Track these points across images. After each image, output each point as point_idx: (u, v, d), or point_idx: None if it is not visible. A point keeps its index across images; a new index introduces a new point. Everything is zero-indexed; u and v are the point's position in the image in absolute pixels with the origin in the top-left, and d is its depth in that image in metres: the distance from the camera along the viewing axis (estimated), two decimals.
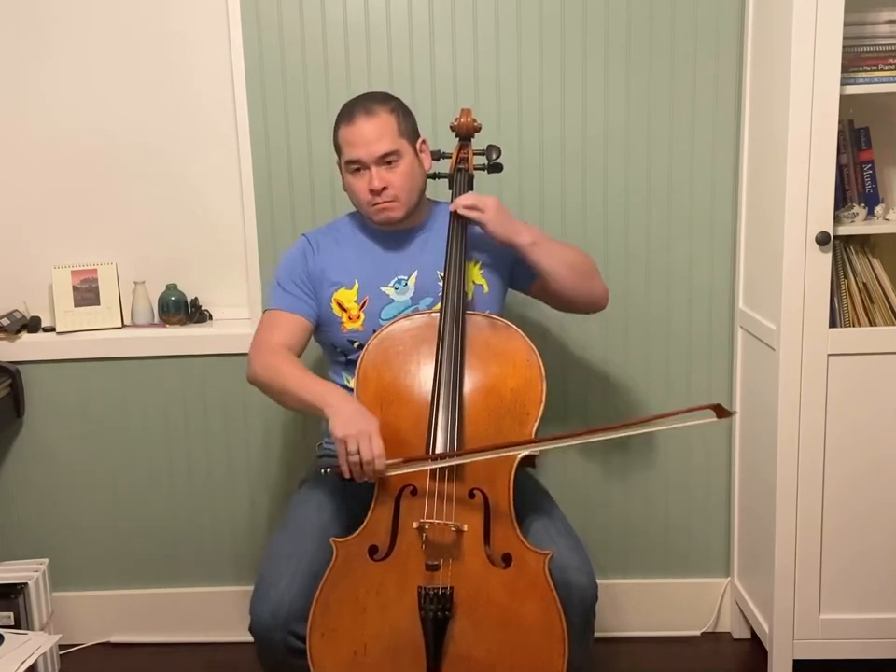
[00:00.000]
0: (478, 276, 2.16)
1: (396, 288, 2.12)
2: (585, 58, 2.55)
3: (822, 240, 2.22)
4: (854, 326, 2.32)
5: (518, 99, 2.58)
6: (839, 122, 2.20)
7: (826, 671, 2.42)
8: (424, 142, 2.14)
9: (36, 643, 2.36)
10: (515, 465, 1.89)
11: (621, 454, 2.74)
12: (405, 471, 1.85)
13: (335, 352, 2.17)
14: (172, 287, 2.70)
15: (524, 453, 1.89)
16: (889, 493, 2.36)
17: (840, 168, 2.32)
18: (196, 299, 2.73)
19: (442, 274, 2.05)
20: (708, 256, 2.65)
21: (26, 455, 2.76)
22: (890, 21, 2.25)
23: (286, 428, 2.74)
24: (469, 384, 1.94)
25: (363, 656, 1.84)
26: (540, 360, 1.96)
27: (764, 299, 2.43)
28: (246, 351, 2.11)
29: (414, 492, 1.87)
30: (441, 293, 2.05)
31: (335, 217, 2.33)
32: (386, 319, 2.09)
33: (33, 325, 2.72)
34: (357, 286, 2.12)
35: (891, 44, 2.24)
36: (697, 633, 2.79)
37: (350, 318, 2.11)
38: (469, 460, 1.86)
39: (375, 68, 2.56)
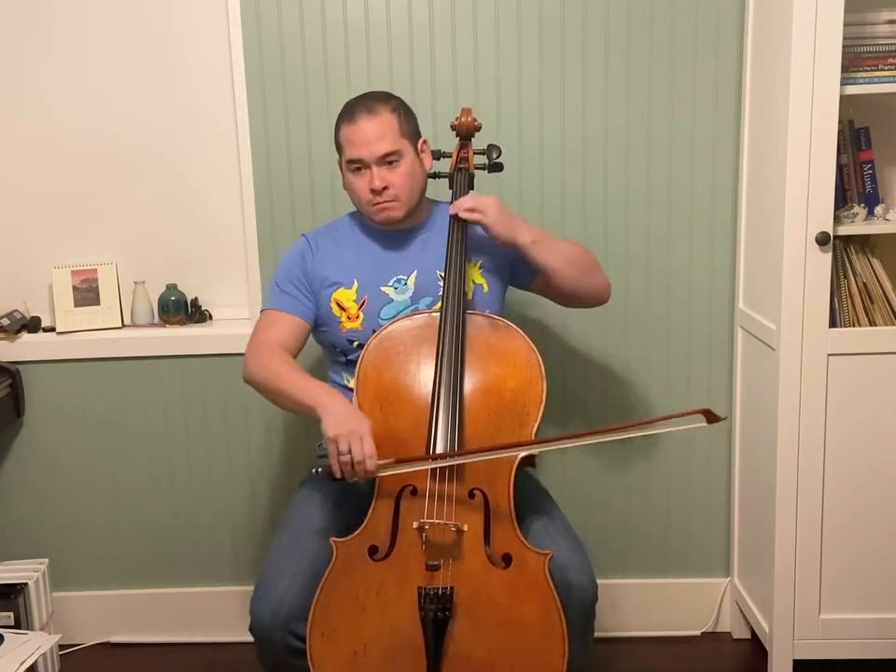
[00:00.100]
0: (478, 276, 2.16)
1: (395, 288, 2.12)
2: (585, 58, 2.55)
3: (822, 240, 2.22)
4: (854, 326, 2.32)
5: (518, 99, 2.58)
6: (839, 122, 2.20)
7: (826, 671, 2.42)
8: (425, 142, 2.14)
9: (36, 643, 2.36)
10: (515, 465, 1.89)
11: (621, 454, 2.74)
12: (396, 472, 1.85)
13: (335, 352, 2.17)
14: (172, 287, 2.70)
15: (522, 454, 1.89)
16: (889, 493, 2.36)
17: (840, 168, 2.32)
18: (196, 299, 2.73)
19: (442, 274, 2.05)
20: (708, 256, 2.65)
21: (26, 454, 2.76)
22: (890, 21, 2.25)
23: (286, 428, 2.74)
24: (469, 383, 1.94)
25: (363, 656, 1.84)
26: (541, 360, 1.96)
27: (764, 299, 2.43)
28: None
29: (414, 492, 1.87)
30: (440, 293, 2.05)
31: (335, 216, 2.33)
32: (386, 319, 2.09)
33: (33, 325, 2.72)
34: (356, 285, 2.12)
35: (891, 44, 2.24)
36: (697, 633, 2.79)
37: (349, 318, 2.11)
38: (462, 461, 1.86)
39: (375, 68, 2.56)
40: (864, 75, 2.24)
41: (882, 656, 2.41)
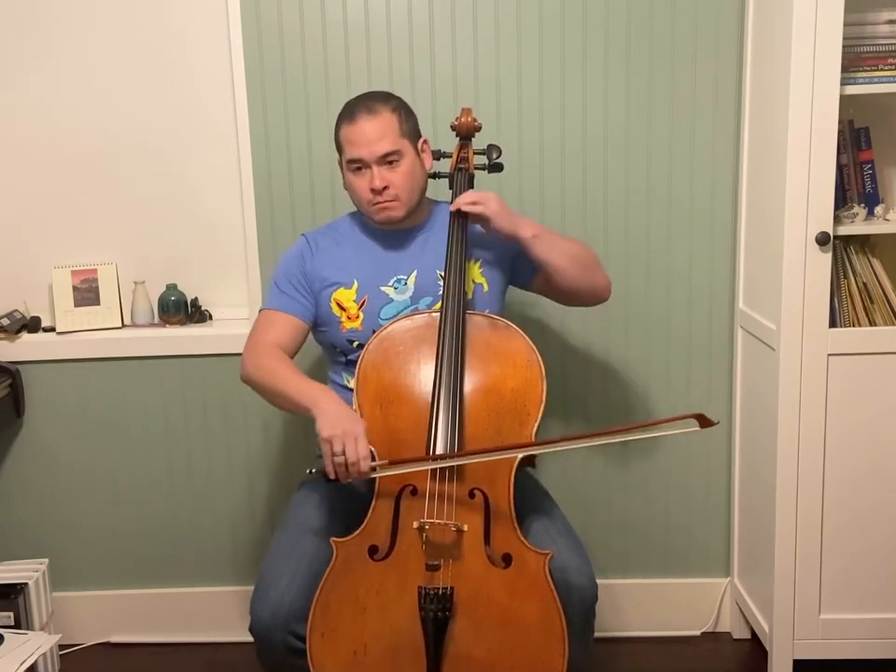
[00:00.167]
0: (478, 275, 2.16)
1: (395, 288, 2.12)
2: (585, 58, 2.55)
3: (822, 240, 2.22)
4: (854, 326, 2.32)
5: (518, 99, 2.58)
6: (839, 122, 2.20)
7: (826, 671, 2.42)
8: (425, 142, 2.14)
9: (36, 643, 2.36)
10: (515, 465, 1.89)
11: (621, 454, 2.74)
12: (389, 473, 1.86)
13: (335, 352, 2.17)
14: (172, 287, 2.70)
15: (520, 455, 1.88)
16: (889, 493, 2.36)
17: (840, 168, 2.32)
18: (196, 299, 2.73)
19: (442, 274, 2.05)
20: (708, 256, 2.65)
21: (26, 454, 2.76)
22: (890, 21, 2.25)
23: (286, 429, 2.74)
24: (469, 383, 1.94)
25: (363, 656, 1.84)
26: (541, 360, 1.96)
27: (764, 299, 2.43)
28: None
29: (415, 492, 1.87)
30: (440, 293, 2.05)
31: (335, 216, 2.33)
32: (386, 319, 2.09)
33: (33, 325, 2.72)
34: (356, 285, 2.12)
35: (891, 44, 2.24)
36: (697, 633, 2.79)
37: (349, 318, 2.11)
38: (456, 463, 1.86)
39: (375, 68, 2.56)
40: (864, 75, 2.24)
41: (882, 656, 2.41)
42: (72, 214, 2.71)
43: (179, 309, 2.70)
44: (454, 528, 1.83)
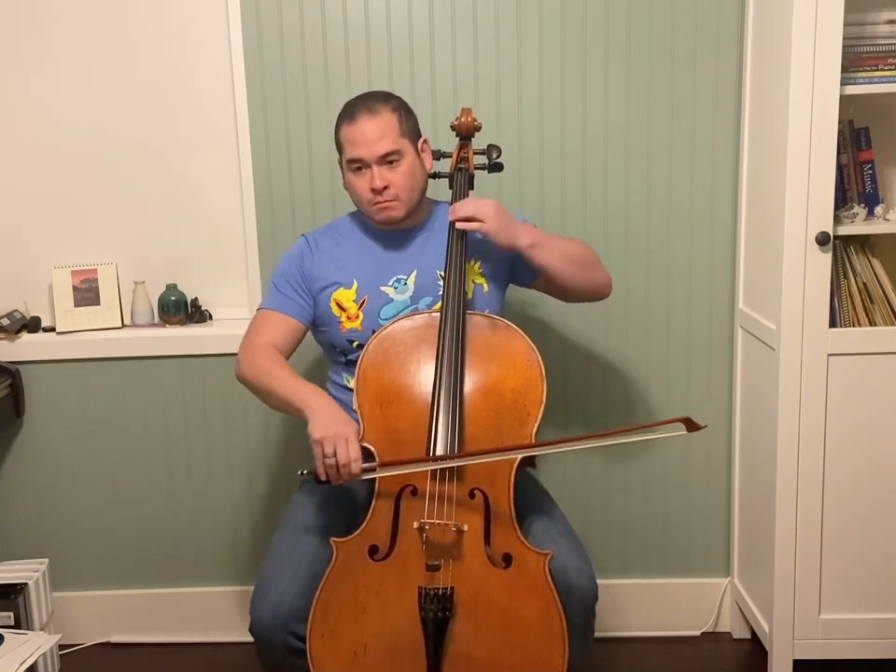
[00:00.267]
0: (477, 275, 2.16)
1: (395, 288, 2.12)
2: (585, 58, 2.55)
3: (822, 240, 2.22)
4: (854, 326, 2.32)
5: (518, 99, 2.58)
6: (839, 122, 2.20)
7: (826, 671, 2.42)
8: (426, 141, 2.14)
9: (36, 643, 2.36)
10: (515, 465, 1.89)
11: (621, 454, 2.74)
12: (380, 475, 1.86)
13: (335, 352, 2.17)
14: (172, 287, 2.70)
15: (505, 457, 1.88)
16: (889, 493, 2.36)
17: (840, 168, 2.32)
18: (196, 299, 2.73)
19: (442, 274, 2.05)
20: (708, 256, 2.65)
21: (26, 454, 2.76)
22: (890, 21, 2.25)
23: (285, 429, 2.74)
24: (469, 383, 1.94)
25: (363, 656, 1.84)
26: (541, 360, 1.96)
27: (764, 299, 2.43)
28: None
29: (415, 492, 1.87)
30: (440, 293, 2.05)
31: (335, 216, 2.33)
32: (385, 319, 2.09)
33: (33, 325, 2.72)
34: (356, 285, 2.12)
35: (891, 44, 2.24)
36: (697, 633, 2.79)
37: (349, 318, 2.11)
38: (449, 465, 1.85)
39: (375, 68, 2.56)
40: (864, 75, 2.24)
41: (882, 656, 2.41)
42: (72, 214, 2.71)
43: (179, 309, 2.70)
44: (454, 528, 1.83)
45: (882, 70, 2.25)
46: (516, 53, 2.55)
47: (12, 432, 2.74)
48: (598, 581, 1.94)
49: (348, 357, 2.13)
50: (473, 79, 2.57)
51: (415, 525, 1.83)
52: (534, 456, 1.96)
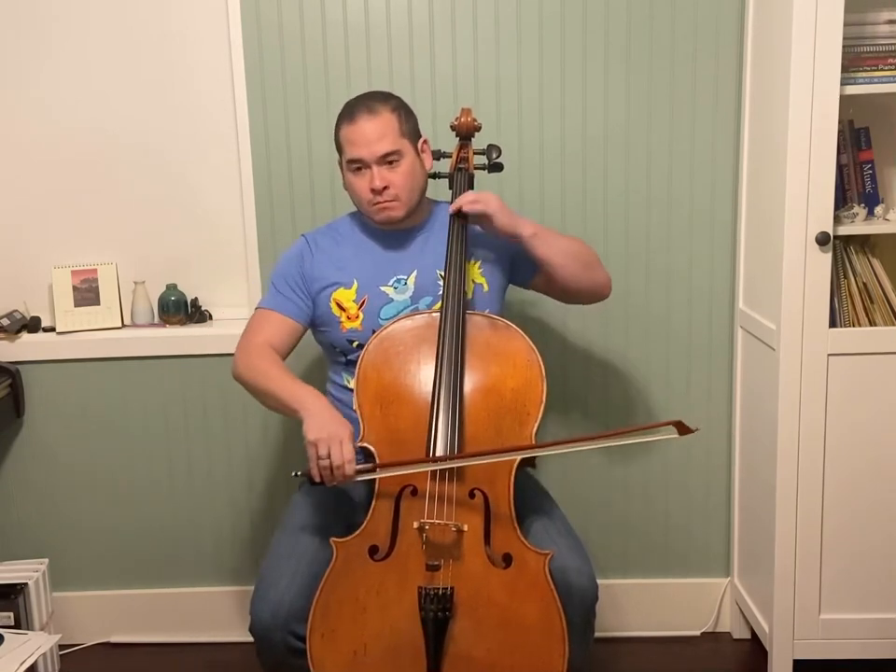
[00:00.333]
0: (477, 275, 2.16)
1: (395, 288, 2.12)
2: (585, 58, 2.55)
3: (822, 240, 2.22)
4: (854, 326, 2.32)
5: (518, 99, 2.58)
6: (839, 122, 2.20)
7: (826, 671, 2.42)
8: (425, 142, 2.14)
9: (36, 643, 2.36)
10: (515, 466, 1.89)
11: (620, 454, 2.74)
12: (374, 476, 1.87)
13: (334, 352, 2.17)
14: (172, 287, 2.70)
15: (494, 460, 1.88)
16: (889, 493, 2.36)
17: (840, 168, 2.32)
18: (196, 299, 2.73)
19: (442, 274, 2.05)
20: (708, 256, 2.65)
21: (26, 454, 2.76)
22: (890, 21, 2.25)
23: (285, 429, 2.74)
24: (469, 383, 1.94)
25: (363, 656, 1.84)
26: (541, 360, 1.96)
27: (764, 299, 2.43)
28: None
29: (415, 492, 1.87)
30: (440, 293, 2.05)
31: (335, 216, 2.33)
32: (385, 319, 2.09)
33: (33, 325, 2.72)
34: (355, 285, 2.12)
35: (891, 44, 2.24)
36: (697, 633, 2.79)
37: (349, 318, 2.11)
38: (443, 466, 1.85)
39: (375, 68, 2.56)
40: (864, 75, 2.24)
41: (882, 656, 2.41)
42: (72, 214, 2.71)
43: (179, 309, 2.70)
44: (454, 528, 1.83)
45: (882, 70, 2.25)
46: (516, 53, 2.55)
47: (12, 432, 2.74)
48: (598, 581, 1.94)
49: (348, 358, 2.13)
50: (473, 79, 2.57)
51: (415, 525, 1.83)
52: (534, 457, 1.96)
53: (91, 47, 2.62)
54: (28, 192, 2.70)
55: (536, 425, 1.92)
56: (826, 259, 2.24)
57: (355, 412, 1.94)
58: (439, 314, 1.98)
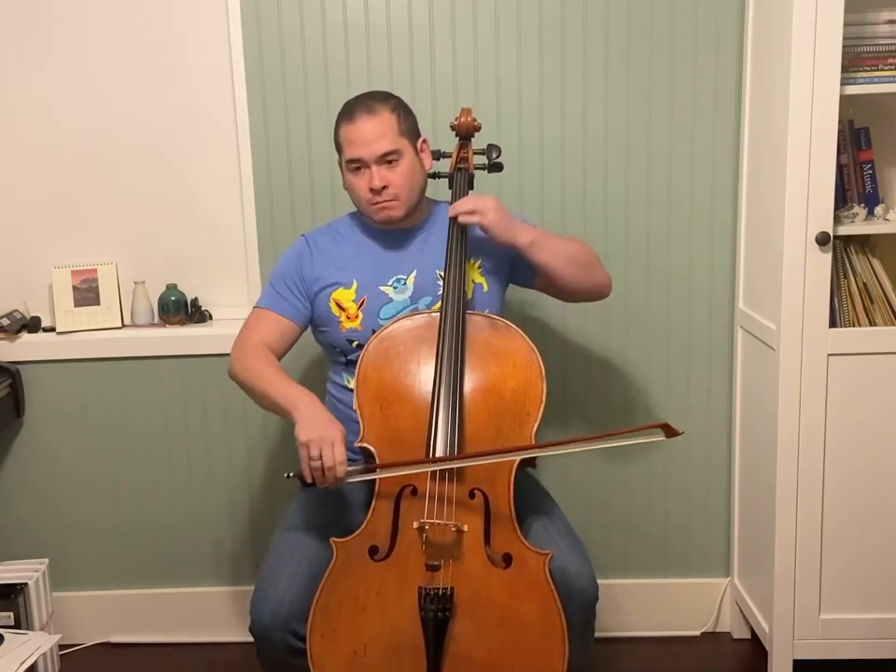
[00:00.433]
0: (477, 275, 2.16)
1: (395, 288, 2.12)
2: (585, 58, 2.55)
3: (822, 240, 2.22)
4: (854, 326, 2.32)
5: (518, 99, 2.58)
6: (839, 122, 2.20)
7: (826, 671, 2.42)
8: (425, 141, 2.14)
9: (36, 643, 2.36)
10: (515, 466, 1.89)
11: (620, 454, 2.74)
12: (365, 478, 1.87)
13: (334, 352, 2.17)
14: (172, 287, 2.70)
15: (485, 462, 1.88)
16: (889, 493, 2.36)
17: (840, 168, 2.32)
18: (196, 299, 2.73)
19: (442, 274, 2.05)
20: (708, 256, 2.65)
21: (26, 454, 2.76)
22: (890, 21, 2.25)
23: (285, 428, 2.74)
24: (469, 383, 1.94)
25: (363, 656, 1.84)
26: (541, 360, 1.96)
27: (764, 299, 2.43)
28: None
29: (415, 492, 1.87)
30: (440, 292, 2.05)
31: (335, 216, 2.33)
32: (385, 319, 2.09)
33: (33, 325, 2.72)
34: (355, 285, 2.12)
35: (891, 44, 2.24)
36: (697, 633, 2.79)
37: (348, 318, 2.11)
38: (437, 468, 1.85)
39: (375, 68, 2.56)
40: (864, 75, 2.24)
41: (882, 656, 2.41)
42: (72, 214, 2.71)
43: (179, 309, 2.70)
44: (454, 528, 1.83)
45: (882, 70, 2.25)
46: (516, 53, 2.55)
47: (12, 432, 2.74)
48: (599, 581, 1.93)
49: (348, 357, 2.13)
50: (473, 79, 2.57)
51: (415, 525, 1.84)
52: (534, 457, 1.96)
53: (90, 47, 2.62)
54: (28, 192, 2.70)
55: (536, 425, 1.92)
56: (826, 258, 2.24)
57: (355, 412, 1.94)
58: (438, 313, 1.98)
